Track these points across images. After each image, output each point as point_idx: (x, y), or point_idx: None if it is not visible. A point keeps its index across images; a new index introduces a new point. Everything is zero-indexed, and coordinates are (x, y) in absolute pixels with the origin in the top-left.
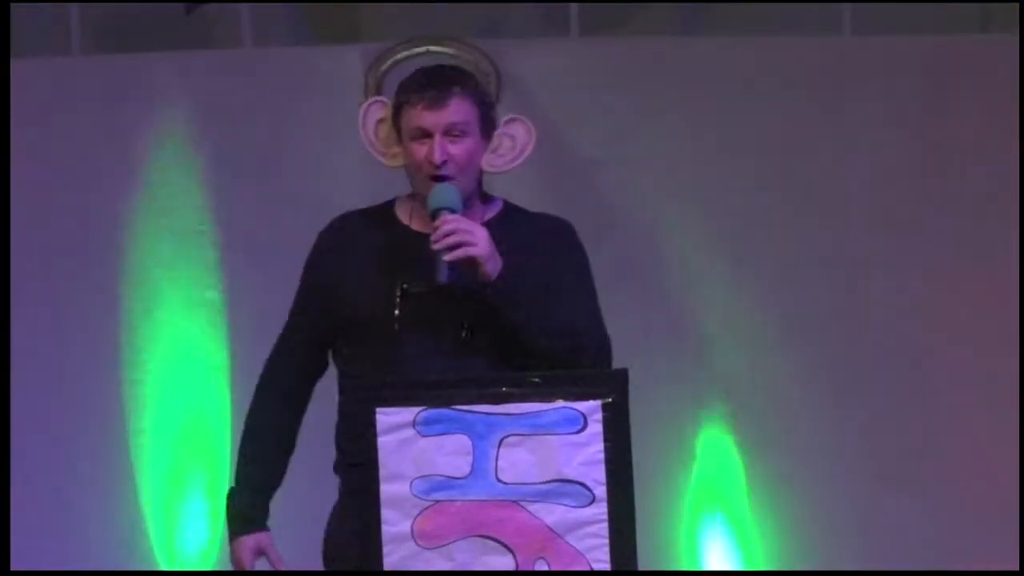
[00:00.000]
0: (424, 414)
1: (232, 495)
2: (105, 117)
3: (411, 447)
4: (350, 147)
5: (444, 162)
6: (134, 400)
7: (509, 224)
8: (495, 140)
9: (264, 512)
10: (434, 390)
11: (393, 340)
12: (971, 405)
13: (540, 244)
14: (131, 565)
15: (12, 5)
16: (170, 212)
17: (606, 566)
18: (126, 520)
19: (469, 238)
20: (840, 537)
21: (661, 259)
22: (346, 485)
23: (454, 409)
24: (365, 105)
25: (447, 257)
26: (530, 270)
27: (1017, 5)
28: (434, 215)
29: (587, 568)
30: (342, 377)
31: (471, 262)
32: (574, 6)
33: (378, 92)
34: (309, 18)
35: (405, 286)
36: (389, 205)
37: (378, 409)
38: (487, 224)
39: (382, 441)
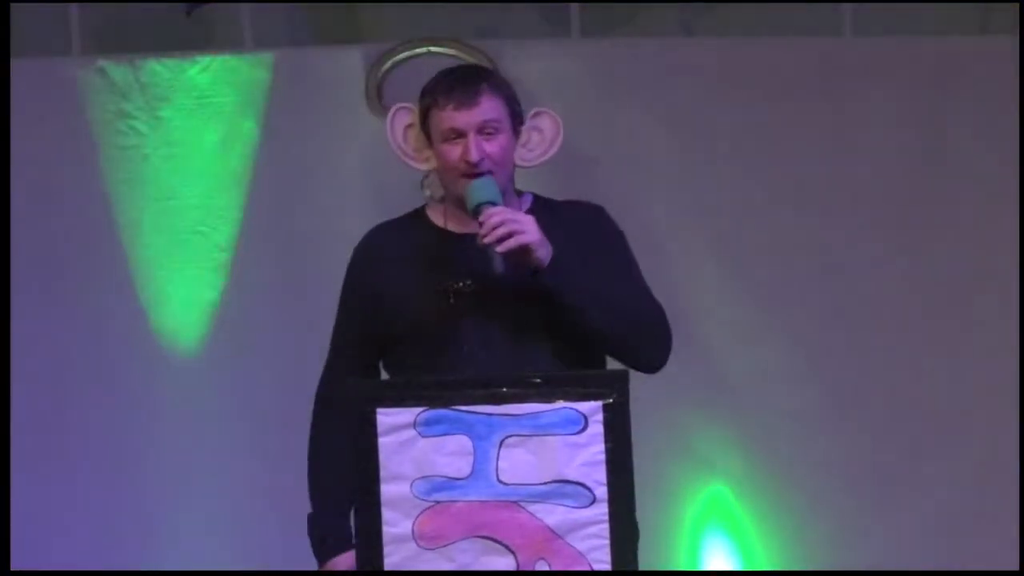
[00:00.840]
0: (425, 415)
1: (314, 520)
2: (105, 118)
3: (412, 448)
4: (351, 148)
5: (480, 160)
6: (136, 400)
7: (544, 214)
8: (523, 135)
9: (349, 531)
10: (434, 391)
11: (449, 340)
12: (971, 405)
13: (578, 229)
14: (132, 565)
15: (12, 5)
16: (170, 212)
17: (607, 567)
18: (128, 520)
19: (518, 227)
20: (840, 537)
21: (661, 259)
22: None
23: (455, 410)
24: (391, 113)
25: (500, 248)
26: (573, 254)
27: (1016, 7)
28: (476, 211)
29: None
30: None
31: (524, 250)
32: (574, 7)
33: (379, 93)
34: (309, 19)
35: (459, 285)
36: (419, 212)
37: (379, 410)
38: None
39: (383, 442)
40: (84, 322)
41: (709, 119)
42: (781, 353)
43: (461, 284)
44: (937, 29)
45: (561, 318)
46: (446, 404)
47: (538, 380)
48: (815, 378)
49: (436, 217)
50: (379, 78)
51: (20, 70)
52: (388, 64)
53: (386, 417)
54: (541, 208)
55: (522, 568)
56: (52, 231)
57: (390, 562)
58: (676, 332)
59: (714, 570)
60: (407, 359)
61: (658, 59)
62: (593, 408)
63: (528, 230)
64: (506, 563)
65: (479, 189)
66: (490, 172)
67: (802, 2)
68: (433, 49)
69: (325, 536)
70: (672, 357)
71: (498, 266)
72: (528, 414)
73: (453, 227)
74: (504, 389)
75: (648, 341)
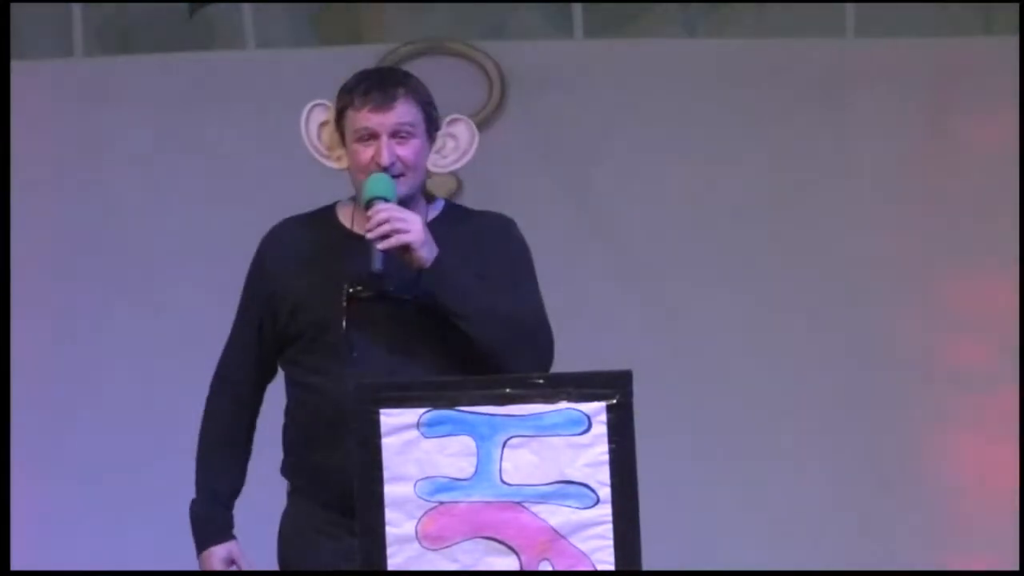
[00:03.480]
0: (428, 415)
1: (195, 506)
2: (106, 119)
3: (415, 448)
4: None
5: (392, 163)
6: (138, 401)
7: (451, 222)
8: (439, 141)
9: (230, 521)
10: (438, 391)
11: (341, 344)
12: (971, 405)
13: (482, 240)
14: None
15: (13, 6)
16: (174, 212)
17: (611, 568)
18: (129, 520)
19: (403, 225)
20: (840, 537)
21: (662, 260)
22: (292, 485)
23: (458, 410)
24: (307, 108)
25: (380, 245)
26: (472, 264)
27: (1018, 7)
28: (368, 205)
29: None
30: (290, 382)
31: (405, 249)
32: (578, 7)
33: None
34: (312, 20)
35: (352, 290)
36: (330, 209)
37: (382, 410)
38: (431, 223)
39: (386, 443)
40: (83, 324)
41: (711, 120)
42: (781, 353)
43: (358, 289)
44: (939, 30)
45: (445, 324)
46: (449, 405)
47: (541, 381)
48: (815, 379)
49: (344, 217)
50: None
51: (22, 72)
52: (387, 65)
53: (389, 418)
54: (451, 215)
55: (526, 569)
56: (54, 233)
57: (393, 563)
58: (674, 331)
59: (714, 570)
60: (300, 358)
61: (661, 60)
62: (597, 409)
63: (412, 229)
64: (510, 564)
65: (373, 184)
66: (401, 175)
67: (805, 2)
68: (436, 49)
69: (202, 525)
70: (672, 358)
71: (377, 261)
72: (532, 415)
73: (359, 227)
74: (507, 390)
75: (527, 351)
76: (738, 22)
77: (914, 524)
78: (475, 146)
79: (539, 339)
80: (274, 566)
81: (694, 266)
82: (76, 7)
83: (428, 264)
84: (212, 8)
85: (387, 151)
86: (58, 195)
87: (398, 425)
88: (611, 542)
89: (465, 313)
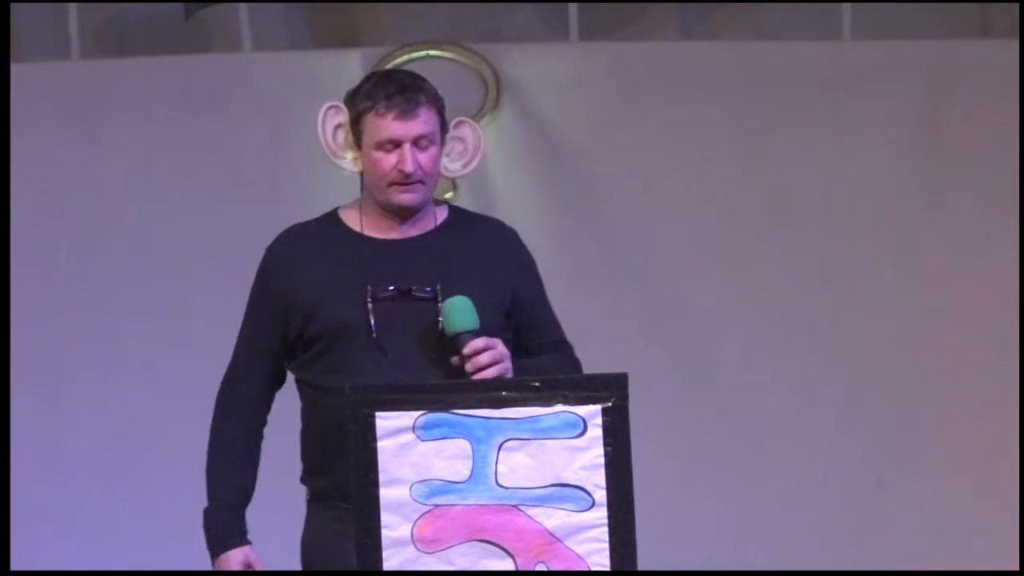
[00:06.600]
0: (424, 418)
1: (208, 514)
2: (104, 122)
3: (411, 451)
4: None
5: (415, 171)
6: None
7: (460, 225)
8: (447, 144)
9: (243, 526)
10: (434, 394)
11: (367, 348)
12: (971, 405)
13: (495, 246)
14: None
15: (11, 10)
16: (171, 214)
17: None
18: (128, 520)
19: (500, 361)
20: (840, 537)
21: (658, 260)
22: (311, 492)
23: (454, 413)
24: (324, 109)
25: (476, 377)
26: (483, 270)
27: (1016, 9)
28: (455, 338)
29: None
30: (305, 386)
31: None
32: (573, 9)
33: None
34: (308, 22)
35: (388, 291)
36: (333, 215)
37: (377, 414)
38: (439, 228)
39: (381, 446)
40: (83, 325)
41: (707, 122)
42: (780, 355)
43: (381, 291)
44: (936, 32)
45: None
46: (445, 408)
47: (537, 384)
48: (815, 380)
49: (352, 221)
50: None
51: (20, 74)
52: (387, 67)
53: (385, 421)
54: (458, 218)
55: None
56: (52, 235)
57: (389, 566)
58: (671, 334)
59: (714, 570)
60: (315, 362)
61: (657, 62)
62: (592, 412)
63: (507, 367)
64: (505, 566)
65: (461, 314)
66: (421, 182)
67: (802, 2)
68: (432, 52)
69: (217, 531)
70: (668, 360)
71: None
72: (527, 418)
73: (370, 232)
74: (503, 393)
75: None
76: (734, 24)
77: (913, 524)
78: (481, 149)
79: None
80: (287, 568)
81: (690, 268)
82: (73, 9)
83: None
84: (208, 11)
85: (411, 160)
86: (56, 196)
87: (394, 428)
88: (607, 545)
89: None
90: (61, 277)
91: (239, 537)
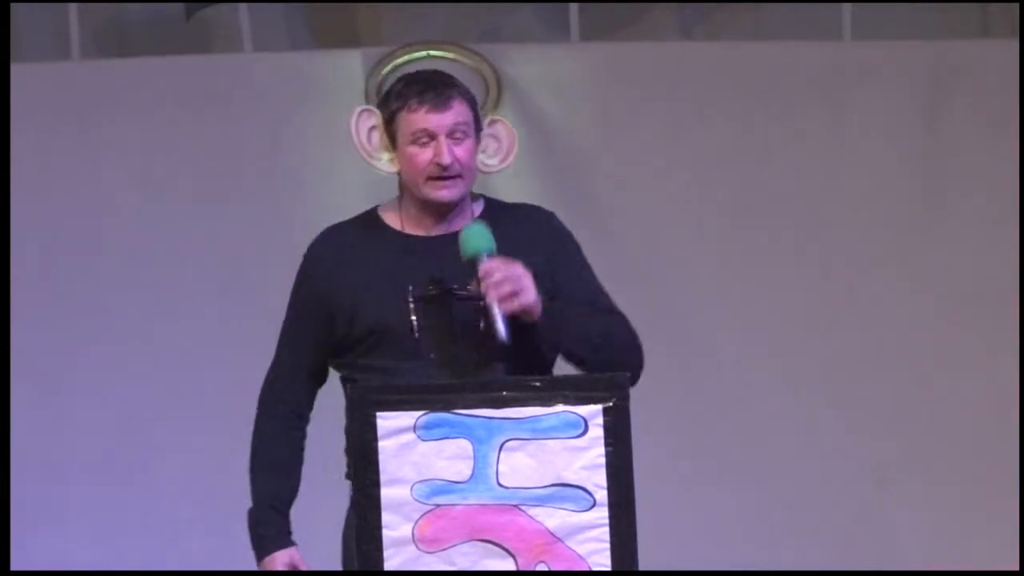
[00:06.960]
0: (425, 418)
1: (253, 515)
2: (104, 122)
3: (411, 451)
4: (350, 151)
5: (451, 163)
6: (138, 401)
7: (497, 215)
8: (482, 141)
9: (288, 527)
10: (434, 394)
11: (410, 347)
12: (971, 405)
13: (527, 233)
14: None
15: (11, 10)
16: (171, 214)
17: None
18: (128, 520)
19: (519, 286)
20: (840, 537)
21: (659, 261)
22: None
23: (455, 413)
24: (356, 113)
25: (502, 310)
26: (522, 255)
27: (1017, 9)
28: (471, 260)
29: None
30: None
31: (524, 311)
32: (574, 9)
33: (378, 96)
34: (308, 22)
35: (429, 289)
36: (372, 214)
37: (378, 414)
38: (477, 220)
39: (382, 446)
40: (83, 326)
41: (708, 122)
42: (780, 355)
43: (423, 290)
44: (937, 33)
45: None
46: (446, 408)
47: (538, 384)
48: (815, 380)
49: (391, 220)
50: (379, 81)
51: (20, 75)
52: (388, 68)
53: (386, 421)
54: (494, 209)
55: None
56: (53, 235)
57: (390, 566)
58: (672, 334)
59: (714, 570)
60: (360, 361)
61: (657, 62)
62: (593, 412)
63: (527, 287)
64: (506, 566)
65: (475, 238)
66: (460, 176)
67: (802, 2)
68: (432, 52)
69: (262, 532)
70: (671, 360)
71: (503, 332)
72: (528, 418)
73: (411, 230)
74: (504, 393)
75: (621, 366)
76: (735, 24)
77: (913, 524)
78: (516, 146)
79: (631, 352)
80: (331, 568)
81: (691, 268)
82: (73, 9)
83: (538, 315)
84: (209, 11)
85: (447, 151)
86: (56, 196)
87: (395, 428)
88: (608, 545)
89: (566, 341)
90: (61, 277)
91: (284, 538)
